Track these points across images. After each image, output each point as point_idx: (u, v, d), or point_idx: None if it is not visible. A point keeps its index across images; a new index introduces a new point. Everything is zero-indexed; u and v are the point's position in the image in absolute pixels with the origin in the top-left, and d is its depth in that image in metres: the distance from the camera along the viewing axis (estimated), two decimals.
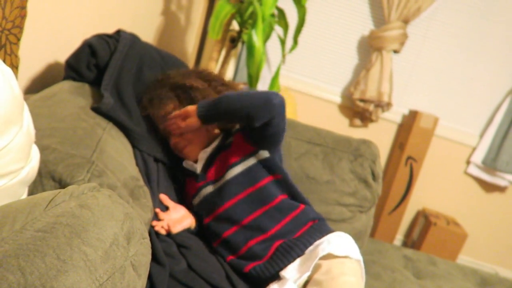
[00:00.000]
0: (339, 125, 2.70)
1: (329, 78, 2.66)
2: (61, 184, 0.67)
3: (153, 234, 0.88)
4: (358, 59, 2.63)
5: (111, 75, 0.98)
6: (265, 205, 0.96)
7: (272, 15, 1.63)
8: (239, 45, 1.78)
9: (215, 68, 1.65)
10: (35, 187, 0.67)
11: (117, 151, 0.86)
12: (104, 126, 0.88)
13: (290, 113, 2.09)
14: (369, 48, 2.55)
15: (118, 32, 1.06)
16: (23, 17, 0.85)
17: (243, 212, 0.96)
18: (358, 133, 2.70)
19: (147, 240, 0.59)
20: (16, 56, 0.87)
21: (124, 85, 1.00)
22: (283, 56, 1.74)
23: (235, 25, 1.73)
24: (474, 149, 2.64)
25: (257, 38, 1.49)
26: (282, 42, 1.68)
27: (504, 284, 1.46)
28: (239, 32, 1.66)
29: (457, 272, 1.42)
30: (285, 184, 1.00)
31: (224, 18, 1.51)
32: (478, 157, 2.62)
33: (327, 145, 1.22)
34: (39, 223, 0.46)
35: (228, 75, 1.86)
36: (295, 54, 2.60)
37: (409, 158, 2.56)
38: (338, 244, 0.86)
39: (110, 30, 1.25)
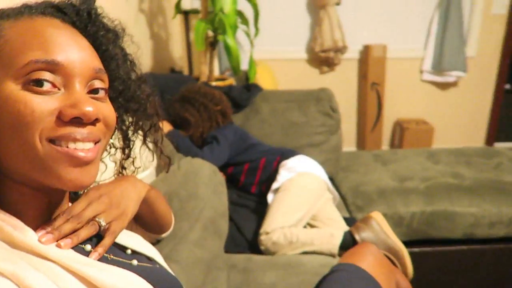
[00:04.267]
0: (312, 75, 3.29)
1: (292, 41, 3.23)
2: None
3: None
4: (310, 18, 3.19)
5: None
6: None
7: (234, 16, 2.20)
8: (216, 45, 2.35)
9: (206, 69, 2.25)
10: None
11: None
12: None
13: (270, 82, 2.69)
14: (316, 7, 3.10)
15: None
16: None
17: None
18: (329, 76, 3.29)
19: None
20: None
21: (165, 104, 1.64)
22: (251, 42, 2.31)
23: (209, 32, 2.30)
24: (422, 59, 3.24)
25: (229, 40, 2.07)
26: (248, 34, 2.26)
27: (449, 152, 2.11)
28: (215, 37, 2.24)
29: (411, 154, 2.07)
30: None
31: (203, 33, 2.09)
32: (427, 64, 3.22)
33: (298, 99, 1.85)
34: (178, 175, 1.10)
35: (215, 69, 2.44)
36: (261, 30, 3.16)
37: (373, 84, 3.17)
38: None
39: None
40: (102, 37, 0.62)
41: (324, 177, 1.58)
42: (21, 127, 0.49)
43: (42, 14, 0.56)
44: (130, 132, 0.73)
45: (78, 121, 0.51)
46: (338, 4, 3.03)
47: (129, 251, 0.70)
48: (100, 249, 0.60)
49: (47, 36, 0.52)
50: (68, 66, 0.52)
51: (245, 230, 1.48)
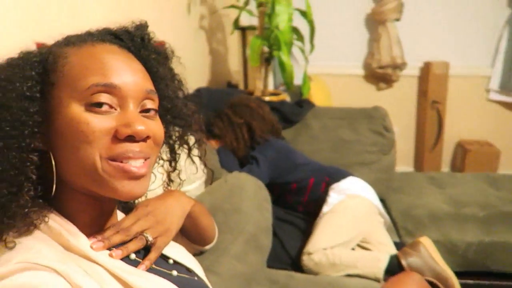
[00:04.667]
0: (368, 92, 3.23)
1: (348, 56, 3.20)
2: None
3: None
4: (368, 34, 3.14)
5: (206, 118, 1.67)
6: None
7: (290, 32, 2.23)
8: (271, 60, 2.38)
9: (260, 84, 2.29)
10: None
11: None
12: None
13: (324, 98, 2.68)
14: (374, 22, 3.05)
15: (199, 90, 1.75)
16: None
17: None
18: (386, 93, 3.21)
19: None
20: None
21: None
22: (305, 59, 2.32)
23: (265, 48, 2.34)
24: (489, 78, 3.06)
25: (284, 56, 2.11)
26: (302, 50, 2.27)
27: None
28: (270, 53, 2.28)
29: (471, 178, 1.96)
30: None
31: (258, 49, 2.14)
32: (495, 83, 3.04)
33: (350, 116, 1.83)
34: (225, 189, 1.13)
35: (270, 84, 2.48)
36: (317, 45, 3.16)
37: (433, 102, 3.04)
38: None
39: None
40: (153, 60, 0.67)
41: (376, 200, 1.54)
42: (84, 145, 0.55)
43: (101, 41, 0.62)
44: (176, 146, 0.79)
45: (131, 139, 0.57)
46: (398, 20, 2.96)
47: (171, 261, 0.73)
48: (147, 262, 0.65)
49: (106, 62, 0.59)
50: (123, 88, 0.58)
51: (289, 246, 1.48)
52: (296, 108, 1.90)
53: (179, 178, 0.83)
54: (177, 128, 0.76)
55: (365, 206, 1.49)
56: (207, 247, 0.97)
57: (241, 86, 2.57)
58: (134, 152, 0.57)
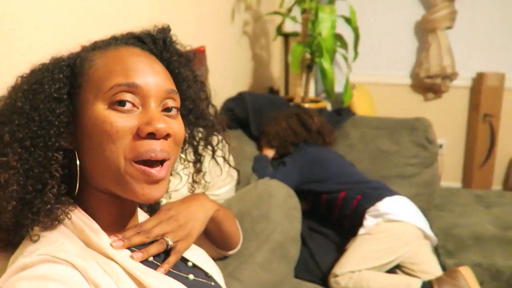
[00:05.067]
0: (415, 102, 3.10)
1: (395, 65, 3.10)
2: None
3: None
4: (416, 42, 3.02)
5: (254, 122, 1.67)
6: None
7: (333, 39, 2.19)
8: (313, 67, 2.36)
9: (301, 91, 2.27)
10: None
11: None
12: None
13: (367, 107, 2.61)
14: (424, 30, 2.93)
15: (241, 93, 1.76)
16: None
17: None
18: (434, 104, 3.07)
19: None
20: None
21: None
22: (348, 66, 2.27)
23: (307, 55, 2.32)
24: None
25: (325, 64, 2.07)
26: (345, 58, 2.23)
27: None
28: (312, 59, 2.26)
29: None
30: None
31: (299, 56, 2.12)
32: None
33: (390, 127, 1.76)
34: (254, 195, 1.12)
35: (311, 91, 2.46)
36: (362, 53, 3.09)
37: (486, 115, 2.87)
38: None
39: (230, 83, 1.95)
40: (175, 62, 0.70)
41: (420, 222, 1.41)
42: (109, 145, 0.58)
43: (125, 44, 0.65)
44: (200, 148, 0.80)
45: (152, 136, 0.58)
46: (449, 28, 2.83)
47: (189, 264, 0.74)
48: (166, 266, 0.66)
49: (129, 64, 0.61)
50: (145, 88, 0.60)
51: (319, 258, 1.44)
52: (334, 116, 1.86)
53: (204, 180, 0.84)
54: (201, 129, 0.78)
55: (404, 232, 1.38)
56: (231, 252, 0.97)
57: (282, 92, 2.56)
58: (155, 151, 0.59)
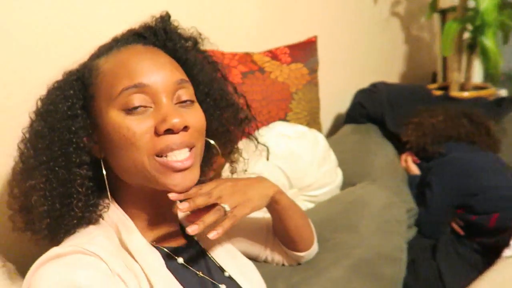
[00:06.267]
0: None
1: None
2: None
3: None
4: None
5: (388, 116, 1.53)
6: None
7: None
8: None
9: (460, 76, 1.91)
10: None
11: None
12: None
13: None
14: None
15: (375, 85, 1.61)
16: None
17: None
18: None
19: None
20: None
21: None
22: None
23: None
24: None
25: (487, 41, 1.68)
26: None
27: None
28: (474, 38, 1.85)
29: None
30: None
31: (453, 35, 1.77)
32: None
33: None
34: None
35: (475, 78, 2.02)
36: None
37: None
38: None
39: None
40: (180, 48, 0.68)
41: None
42: (130, 148, 0.60)
43: (126, 43, 0.65)
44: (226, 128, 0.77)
45: (170, 132, 0.59)
46: None
47: (226, 274, 0.71)
48: (220, 229, 0.63)
49: (132, 65, 0.62)
50: (153, 85, 0.61)
51: (447, 280, 1.19)
52: (492, 108, 1.48)
53: (242, 157, 0.81)
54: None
55: None
56: (302, 254, 0.87)
57: (439, 79, 2.18)
58: (176, 144, 0.60)
